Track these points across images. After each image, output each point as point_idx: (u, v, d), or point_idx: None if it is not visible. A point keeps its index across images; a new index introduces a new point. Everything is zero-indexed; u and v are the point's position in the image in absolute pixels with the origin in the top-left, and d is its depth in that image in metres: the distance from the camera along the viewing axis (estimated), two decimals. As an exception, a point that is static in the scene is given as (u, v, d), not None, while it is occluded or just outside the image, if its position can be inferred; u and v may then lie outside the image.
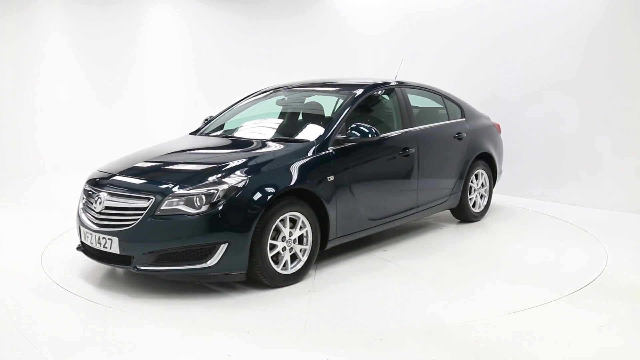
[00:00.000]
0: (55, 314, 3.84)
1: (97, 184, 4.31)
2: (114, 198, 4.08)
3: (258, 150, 4.48)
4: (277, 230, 4.10)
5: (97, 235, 4.06)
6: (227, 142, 4.97)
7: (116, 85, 10.10)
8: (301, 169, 4.25)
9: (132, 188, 4.08)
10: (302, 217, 4.21)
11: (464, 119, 5.90)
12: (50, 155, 9.40)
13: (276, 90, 5.65)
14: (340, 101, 5.04)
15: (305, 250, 4.29)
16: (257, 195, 3.95)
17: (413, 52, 8.53)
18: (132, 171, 4.31)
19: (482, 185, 6.06)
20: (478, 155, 5.90)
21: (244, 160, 4.21)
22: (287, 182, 4.13)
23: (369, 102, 5.23)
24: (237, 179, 3.97)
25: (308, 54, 10.20)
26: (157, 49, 10.51)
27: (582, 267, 4.61)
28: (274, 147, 4.49)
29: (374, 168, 4.83)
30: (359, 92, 5.02)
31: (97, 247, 4.08)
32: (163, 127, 9.93)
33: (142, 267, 3.90)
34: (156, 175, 4.26)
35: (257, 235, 3.93)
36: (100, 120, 9.96)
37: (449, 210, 5.98)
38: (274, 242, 4.07)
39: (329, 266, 4.67)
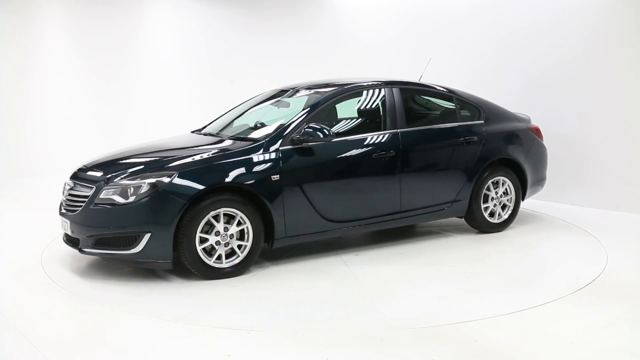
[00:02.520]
0: (55, 314, 3.85)
1: (71, 175, 4.75)
2: (75, 187, 4.54)
3: (211, 148, 4.62)
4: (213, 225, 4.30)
5: (62, 218, 4.57)
6: (201, 140, 5.04)
7: (116, 85, 10.10)
8: (239, 166, 4.38)
9: (84, 178, 4.52)
10: (240, 214, 4.33)
11: (481, 122, 5.48)
12: (50, 155, 9.40)
13: (294, 89, 5.48)
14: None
15: (245, 246, 4.39)
16: (182, 191, 4.18)
17: (412, 52, 8.53)
18: (95, 164, 4.71)
19: (505, 193, 5.56)
20: (499, 162, 5.49)
21: (187, 156, 4.44)
22: (216, 179, 4.28)
23: (349, 102, 5.18)
24: (166, 174, 4.23)
25: (308, 53, 10.20)
26: (157, 48, 10.51)
27: (582, 267, 4.61)
28: (230, 145, 4.65)
29: (338, 169, 4.75)
30: (330, 93, 4.98)
31: (62, 229, 4.63)
32: (163, 126, 9.92)
33: (85, 249, 4.34)
34: (109, 167, 4.52)
35: (183, 228, 4.17)
36: (101, 119, 9.96)
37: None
38: (205, 235, 4.24)
39: (281, 264, 4.71)
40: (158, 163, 4.41)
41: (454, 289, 4.16)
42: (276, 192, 4.45)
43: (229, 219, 4.35)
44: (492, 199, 5.50)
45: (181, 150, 4.70)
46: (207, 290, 4.17)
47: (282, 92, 5.49)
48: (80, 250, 4.36)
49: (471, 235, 5.51)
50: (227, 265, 4.36)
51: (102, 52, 9.88)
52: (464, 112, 5.54)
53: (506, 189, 5.56)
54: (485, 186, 5.43)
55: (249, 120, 5.37)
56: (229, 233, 4.33)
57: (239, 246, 4.40)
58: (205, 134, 5.29)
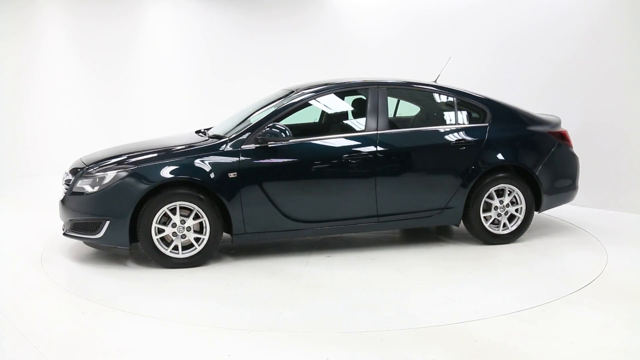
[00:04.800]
0: (55, 314, 3.85)
1: (70, 166, 5.07)
2: (68, 177, 4.90)
3: (181, 146, 4.79)
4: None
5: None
6: (187, 139, 5.10)
7: (116, 85, 10.11)
8: (195, 163, 4.59)
9: (75, 170, 4.86)
10: (196, 208, 4.56)
11: (485, 124, 5.12)
12: (50, 155, 9.40)
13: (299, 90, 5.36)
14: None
15: (203, 239, 4.62)
16: (137, 184, 4.51)
17: (412, 52, 8.53)
18: (87, 157, 5.06)
19: (513, 203, 5.14)
20: (513, 168, 5.14)
21: (155, 153, 4.70)
22: (169, 174, 4.54)
23: (334, 102, 5.18)
24: (126, 167, 4.57)
25: (308, 52, 10.20)
26: (157, 48, 10.52)
27: (582, 267, 4.61)
28: (198, 143, 4.82)
29: (304, 169, 4.74)
30: (303, 94, 4.99)
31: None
32: (163, 126, 9.93)
33: (67, 232, 4.77)
34: (93, 160, 4.86)
35: (141, 218, 4.50)
36: (101, 119, 9.97)
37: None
38: (162, 226, 4.54)
39: (241, 260, 4.84)
40: (127, 158, 4.69)
41: (380, 297, 4.00)
42: (233, 188, 4.60)
43: (190, 212, 4.59)
44: (496, 208, 5.11)
45: (158, 148, 4.87)
46: (154, 278, 4.45)
47: (291, 93, 5.45)
48: (64, 233, 4.79)
49: (470, 245, 5.22)
50: (183, 256, 4.61)
51: (102, 52, 9.89)
52: (465, 114, 5.24)
53: (515, 198, 5.15)
54: (486, 194, 5.06)
55: (255, 120, 5.38)
56: (185, 225, 4.57)
57: (197, 239, 4.62)
58: (203, 134, 5.31)
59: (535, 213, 5.32)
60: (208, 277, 4.45)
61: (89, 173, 4.66)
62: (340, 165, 4.81)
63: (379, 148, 4.86)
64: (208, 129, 5.56)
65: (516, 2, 7.29)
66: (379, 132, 4.92)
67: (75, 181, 4.71)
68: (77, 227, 4.70)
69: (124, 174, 4.54)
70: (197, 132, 5.50)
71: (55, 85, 9.48)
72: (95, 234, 4.58)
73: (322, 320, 3.64)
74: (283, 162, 4.72)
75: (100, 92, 9.97)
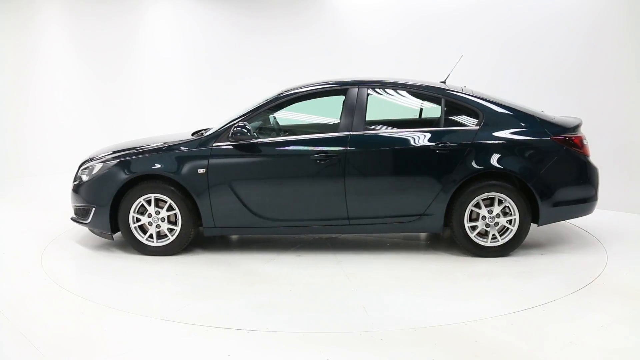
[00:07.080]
0: (55, 314, 3.85)
1: None
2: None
3: (164, 143, 5.03)
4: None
5: None
6: (175, 137, 5.26)
7: (116, 85, 10.11)
8: (169, 158, 4.87)
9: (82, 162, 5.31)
10: (169, 200, 4.85)
11: (475, 128, 4.75)
12: (50, 156, 9.41)
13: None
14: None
15: (175, 230, 4.91)
16: (117, 175, 4.89)
17: (412, 52, 8.53)
18: (95, 151, 5.47)
19: (506, 213, 4.76)
20: (504, 175, 4.75)
21: (138, 147, 5.04)
22: (143, 168, 4.87)
23: (316, 102, 5.14)
24: (110, 161, 4.98)
25: (308, 53, 10.19)
26: (157, 48, 10.51)
27: (582, 267, 4.61)
28: (177, 140, 5.03)
29: (271, 168, 4.80)
30: (280, 94, 5.03)
31: None
32: (163, 126, 9.92)
33: (72, 217, 5.22)
34: (97, 153, 5.31)
35: (121, 207, 4.88)
36: (100, 119, 9.97)
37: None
38: (139, 216, 4.90)
39: (211, 254, 5.03)
40: (118, 151, 5.07)
41: (292, 299, 3.99)
42: (202, 184, 4.81)
43: (166, 204, 4.89)
44: (484, 218, 4.76)
45: (147, 144, 5.11)
46: (116, 262, 4.83)
47: (281, 93, 5.46)
48: (71, 218, 5.25)
49: (457, 255, 4.95)
50: (158, 245, 4.94)
51: (102, 52, 9.89)
52: (455, 116, 4.92)
53: (507, 208, 4.77)
54: (472, 202, 4.72)
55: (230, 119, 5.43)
56: (160, 216, 4.88)
57: (171, 230, 4.91)
58: (195, 134, 5.40)
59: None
60: (166, 265, 4.72)
61: (88, 164, 5.13)
62: (309, 165, 4.75)
63: (349, 149, 4.74)
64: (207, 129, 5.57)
65: (519, 1, 7.28)
66: (351, 133, 4.80)
67: (77, 171, 5.20)
68: (76, 213, 5.17)
69: (108, 165, 4.95)
70: (195, 132, 5.52)
71: (55, 85, 9.48)
72: (86, 220, 5.02)
73: (221, 315, 3.71)
74: (251, 160, 4.82)
75: (100, 91, 9.96)
